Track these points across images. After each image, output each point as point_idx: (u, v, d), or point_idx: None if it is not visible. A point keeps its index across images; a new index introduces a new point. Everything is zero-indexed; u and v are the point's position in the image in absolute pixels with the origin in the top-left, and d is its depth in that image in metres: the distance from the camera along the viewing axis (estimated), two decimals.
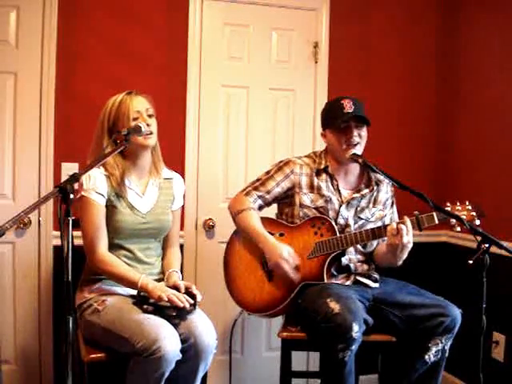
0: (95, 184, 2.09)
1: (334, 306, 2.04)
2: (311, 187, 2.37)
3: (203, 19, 2.91)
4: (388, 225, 2.21)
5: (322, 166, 2.38)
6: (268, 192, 2.39)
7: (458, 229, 2.13)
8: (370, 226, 2.37)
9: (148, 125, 2.13)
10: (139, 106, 2.15)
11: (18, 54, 2.67)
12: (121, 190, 2.14)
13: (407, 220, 2.15)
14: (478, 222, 2.09)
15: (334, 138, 2.33)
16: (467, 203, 2.15)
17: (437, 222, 2.15)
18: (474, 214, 2.12)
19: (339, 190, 2.37)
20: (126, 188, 2.16)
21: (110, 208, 2.13)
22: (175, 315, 2.01)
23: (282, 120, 3.07)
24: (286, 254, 2.25)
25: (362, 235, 2.24)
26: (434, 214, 2.14)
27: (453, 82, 3.18)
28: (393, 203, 2.49)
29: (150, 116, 2.17)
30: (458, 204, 2.15)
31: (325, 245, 2.27)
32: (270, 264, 2.29)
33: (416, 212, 2.18)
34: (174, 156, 2.83)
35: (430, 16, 3.23)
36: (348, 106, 2.27)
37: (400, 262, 2.27)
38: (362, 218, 2.38)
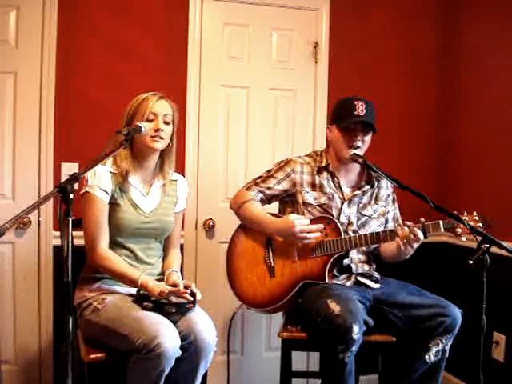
0: (100, 181, 2.09)
1: (335, 308, 2.04)
2: (313, 185, 2.37)
3: (203, 19, 2.91)
4: (393, 230, 2.21)
5: (323, 164, 2.39)
6: (269, 188, 2.39)
7: (464, 238, 2.12)
8: (372, 222, 2.38)
9: (159, 129, 2.11)
10: (159, 108, 2.13)
11: (17, 54, 2.66)
12: (125, 187, 2.14)
13: (418, 232, 2.15)
14: None
15: (338, 136, 2.35)
16: (474, 213, 2.13)
17: (442, 230, 2.14)
18: (481, 225, 2.09)
19: (341, 188, 2.38)
20: (130, 186, 2.16)
21: (114, 205, 2.12)
22: (175, 312, 2.02)
23: (281, 120, 3.07)
24: (295, 220, 2.23)
25: (367, 238, 2.24)
26: (441, 222, 2.13)
27: (453, 81, 3.18)
28: (394, 200, 2.49)
29: (166, 122, 2.15)
30: (466, 214, 2.13)
31: (329, 245, 2.27)
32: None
33: (422, 219, 2.17)
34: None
35: (430, 16, 3.23)
36: (360, 109, 2.28)
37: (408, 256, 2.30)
38: (364, 215, 2.39)
